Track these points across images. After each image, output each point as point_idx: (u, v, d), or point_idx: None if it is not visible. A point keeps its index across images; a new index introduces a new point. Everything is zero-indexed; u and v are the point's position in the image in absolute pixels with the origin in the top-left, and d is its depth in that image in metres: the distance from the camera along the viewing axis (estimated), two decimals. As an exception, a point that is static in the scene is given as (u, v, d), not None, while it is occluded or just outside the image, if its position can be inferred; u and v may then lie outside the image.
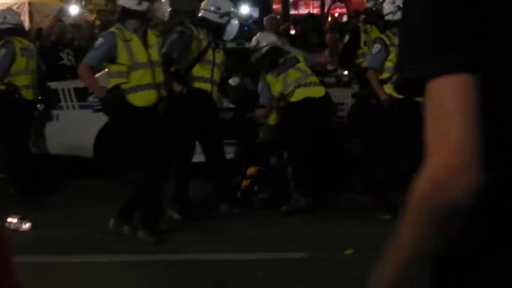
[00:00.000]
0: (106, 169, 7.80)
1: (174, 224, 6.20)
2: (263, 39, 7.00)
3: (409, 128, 5.04)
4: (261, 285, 4.79)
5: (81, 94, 7.96)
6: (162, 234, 5.83)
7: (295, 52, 7.14)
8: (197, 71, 6.37)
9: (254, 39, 7.09)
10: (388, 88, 6.48)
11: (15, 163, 7.25)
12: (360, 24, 8.01)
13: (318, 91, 6.87)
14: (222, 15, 6.53)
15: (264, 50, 6.90)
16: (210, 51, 6.44)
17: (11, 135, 7.23)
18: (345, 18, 15.92)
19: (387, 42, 6.51)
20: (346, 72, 8.20)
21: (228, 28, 6.61)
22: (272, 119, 7.12)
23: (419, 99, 1.20)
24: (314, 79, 6.94)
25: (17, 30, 7.55)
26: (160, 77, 5.85)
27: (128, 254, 5.46)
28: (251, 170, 7.10)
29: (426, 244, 1.19)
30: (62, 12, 10.85)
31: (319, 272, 4.98)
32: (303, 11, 22.34)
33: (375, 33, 7.61)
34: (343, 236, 5.81)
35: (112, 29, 5.86)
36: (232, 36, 6.88)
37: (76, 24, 10.77)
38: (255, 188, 7.12)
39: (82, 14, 12.49)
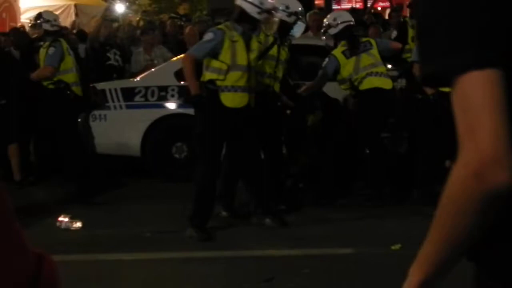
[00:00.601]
0: (154, 168, 7.92)
1: (221, 221, 6.26)
2: (340, 16, 7.10)
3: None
4: (308, 281, 4.81)
5: (128, 94, 8.07)
6: (209, 232, 5.90)
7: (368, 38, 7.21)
8: (260, 66, 6.38)
9: (330, 15, 7.16)
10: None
11: (71, 159, 7.37)
12: (407, 19, 7.95)
13: (387, 83, 6.87)
14: (290, 14, 6.61)
15: (341, 26, 6.95)
16: (275, 48, 6.49)
17: (67, 132, 7.37)
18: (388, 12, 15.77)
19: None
20: (390, 66, 8.14)
21: (295, 27, 6.67)
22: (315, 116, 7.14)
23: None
24: (383, 69, 6.93)
25: (61, 32, 7.81)
26: (253, 82, 5.99)
27: (176, 252, 5.53)
28: (296, 167, 7.15)
29: (466, 233, 1.22)
30: (108, 11, 11.02)
31: (366, 268, 4.98)
32: (345, 5, 22.22)
33: None
34: (391, 231, 5.81)
35: (221, 26, 6.03)
36: (298, 35, 6.89)
37: (118, 24, 10.93)
38: (301, 185, 7.16)
39: (126, 14, 12.67)
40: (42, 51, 7.36)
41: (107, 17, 10.22)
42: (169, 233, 5.88)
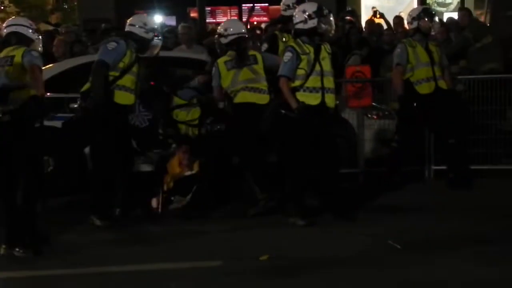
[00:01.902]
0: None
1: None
2: (232, 27, 7.05)
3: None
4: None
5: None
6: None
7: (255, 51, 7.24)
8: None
9: (222, 25, 7.16)
10: (301, 96, 6.59)
11: None
12: (277, 32, 8.08)
13: (263, 98, 6.96)
14: (147, 31, 6.86)
15: (231, 37, 6.97)
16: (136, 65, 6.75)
17: None
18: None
19: (299, 50, 6.60)
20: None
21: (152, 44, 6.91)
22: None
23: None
24: (263, 85, 6.99)
25: None
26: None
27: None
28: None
29: None
30: None
31: (234, 279, 5.02)
32: (221, 19, 22.35)
33: (291, 41, 7.72)
34: (259, 242, 5.90)
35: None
36: (155, 53, 7.00)
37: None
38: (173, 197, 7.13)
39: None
40: None
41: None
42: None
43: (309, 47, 6.62)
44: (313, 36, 6.64)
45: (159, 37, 7.02)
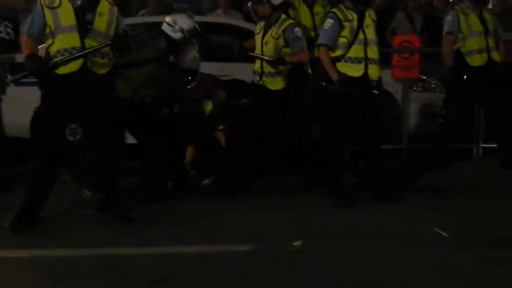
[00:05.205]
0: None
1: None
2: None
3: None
4: (203, 281, 4.38)
5: (18, 71, 7.40)
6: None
7: None
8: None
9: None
10: (342, 67, 6.14)
11: None
12: None
13: None
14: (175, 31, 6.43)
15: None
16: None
17: None
18: None
19: (341, 16, 6.14)
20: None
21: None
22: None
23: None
24: None
25: None
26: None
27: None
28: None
29: None
30: None
31: (264, 266, 4.59)
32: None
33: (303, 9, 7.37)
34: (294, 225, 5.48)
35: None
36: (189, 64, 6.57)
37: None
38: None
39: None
40: None
41: None
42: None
43: (352, 13, 6.13)
44: (357, 1, 6.14)
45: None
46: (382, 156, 6.36)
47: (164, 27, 6.44)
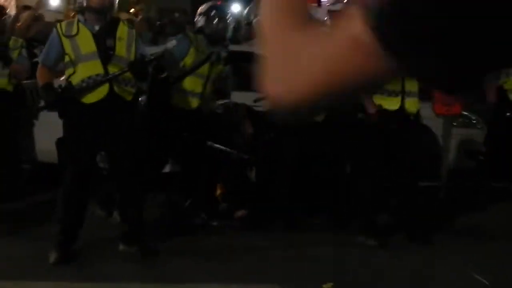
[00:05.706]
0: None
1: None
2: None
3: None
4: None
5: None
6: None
7: None
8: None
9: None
10: (378, 99, 5.94)
11: None
12: None
13: None
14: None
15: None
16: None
17: None
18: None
19: None
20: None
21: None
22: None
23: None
24: None
25: None
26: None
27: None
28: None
29: None
30: (41, 3, 10.21)
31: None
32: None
33: None
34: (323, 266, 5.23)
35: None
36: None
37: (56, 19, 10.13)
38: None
39: (64, 8, 11.84)
40: None
41: (38, 11, 9.42)
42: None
43: None
44: None
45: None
46: (417, 194, 6.09)
47: None
